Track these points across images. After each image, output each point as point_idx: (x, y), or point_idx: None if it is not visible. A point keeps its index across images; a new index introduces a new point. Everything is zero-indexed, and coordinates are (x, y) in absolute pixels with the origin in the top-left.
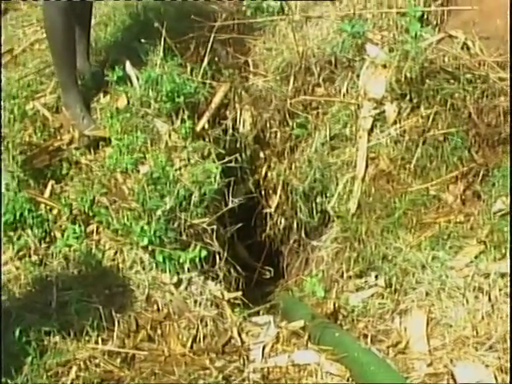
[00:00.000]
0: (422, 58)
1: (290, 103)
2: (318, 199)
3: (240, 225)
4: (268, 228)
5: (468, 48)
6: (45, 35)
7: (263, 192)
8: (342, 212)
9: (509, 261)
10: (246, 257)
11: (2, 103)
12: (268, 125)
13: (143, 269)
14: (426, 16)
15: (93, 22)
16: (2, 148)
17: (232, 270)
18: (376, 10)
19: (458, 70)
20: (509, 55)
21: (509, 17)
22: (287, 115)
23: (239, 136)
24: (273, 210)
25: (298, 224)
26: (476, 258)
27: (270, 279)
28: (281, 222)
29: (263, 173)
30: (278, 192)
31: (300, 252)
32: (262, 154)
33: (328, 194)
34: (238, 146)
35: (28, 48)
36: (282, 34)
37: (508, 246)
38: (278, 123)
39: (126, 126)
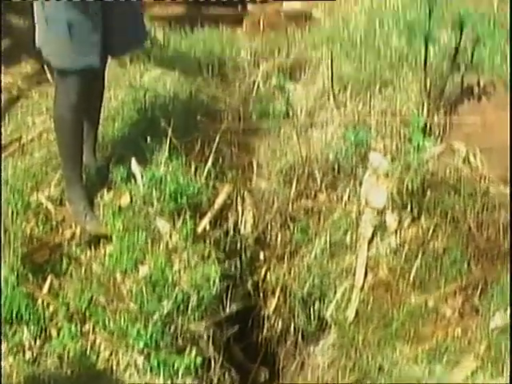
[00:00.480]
0: (424, 169)
1: (292, 207)
2: (316, 305)
3: (237, 328)
4: (265, 330)
5: (469, 161)
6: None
7: (261, 294)
8: (340, 320)
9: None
10: (241, 359)
11: (8, 195)
12: (269, 227)
13: (137, 372)
14: (428, 126)
15: (101, 117)
16: (4, 241)
17: (227, 375)
18: (380, 117)
19: (459, 182)
20: (508, 170)
21: (509, 131)
22: (288, 219)
23: (240, 237)
24: (271, 312)
25: (295, 328)
26: (473, 374)
27: (265, 381)
28: (278, 325)
29: (262, 274)
30: (277, 294)
31: (296, 355)
32: (262, 256)
33: (326, 301)
34: (238, 247)
35: (36, 137)
36: (287, 137)
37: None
38: (279, 226)
39: (127, 224)
